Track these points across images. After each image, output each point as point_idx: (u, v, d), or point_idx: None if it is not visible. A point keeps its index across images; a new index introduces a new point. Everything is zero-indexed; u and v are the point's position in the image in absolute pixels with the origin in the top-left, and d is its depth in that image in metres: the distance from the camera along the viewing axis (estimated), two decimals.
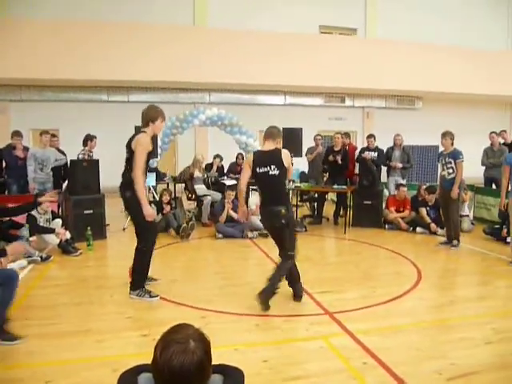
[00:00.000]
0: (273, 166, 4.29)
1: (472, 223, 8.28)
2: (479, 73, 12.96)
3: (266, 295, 4.18)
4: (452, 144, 6.74)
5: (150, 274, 4.76)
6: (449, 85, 12.93)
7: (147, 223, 4.36)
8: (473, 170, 8.82)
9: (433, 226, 7.73)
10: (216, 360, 1.54)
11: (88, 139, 8.14)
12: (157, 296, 4.48)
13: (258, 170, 4.32)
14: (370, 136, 8.84)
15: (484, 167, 9.30)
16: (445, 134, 6.78)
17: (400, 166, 8.86)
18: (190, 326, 1.54)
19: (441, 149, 7.05)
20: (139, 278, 4.52)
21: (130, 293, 4.49)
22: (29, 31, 10.27)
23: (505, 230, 7.05)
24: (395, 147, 9.02)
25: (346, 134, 9.20)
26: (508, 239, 6.79)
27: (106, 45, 10.64)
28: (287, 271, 4.43)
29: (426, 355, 3.32)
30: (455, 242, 6.80)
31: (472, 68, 12.90)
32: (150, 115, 4.36)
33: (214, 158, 9.91)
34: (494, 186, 9.10)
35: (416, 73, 12.54)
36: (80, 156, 7.89)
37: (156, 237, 4.68)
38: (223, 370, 1.70)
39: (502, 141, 9.21)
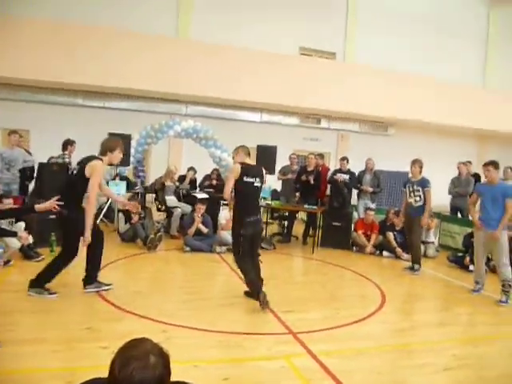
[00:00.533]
0: (257, 179, 4.80)
1: (437, 250, 8.46)
2: (452, 105, 13.35)
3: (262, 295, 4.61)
4: (420, 172, 6.89)
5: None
6: (422, 114, 13.27)
7: (74, 240, 4.52)
8: (439, 198, 9.03)
9: (398, 250, 7.87)
10: (175, 376, 1.51)
11: (68, 144, 8.10)
12: (55, 293, 4.58)
13: (245, 178, 4.70)
14: (343, 158, 8.97)
15: (450, 196, 9.54)
16: (414, 162, 6.91)
17: (370, 190, 9.01)
18: (148, 340, 1.50)
19: (409, 175, 7.19)
20: (47, 277, 4.61)
21: (28, 290, 4.56)
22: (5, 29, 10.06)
23: (467, 258, 7.22)
24: (366, 171, 9.18)
25: (320, 155, 9.33)
26: (471, 267, 6.96)
27: (84, 49, 10.50)
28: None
29: (386, 379, 3.34)
30: (416, 266, 6.91)
31: (445, 99, 13.29)
32: (109, 145, 4.63)
33: (188, 170, 9.86)
34: (459, 215, 9.34)
35: (390, 100, 12.83)
36: (60, 160, 7.77)
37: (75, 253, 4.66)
38: None
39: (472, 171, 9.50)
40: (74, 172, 4.56)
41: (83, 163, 4.47)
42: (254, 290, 4.78)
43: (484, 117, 13.64)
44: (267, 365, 3.44)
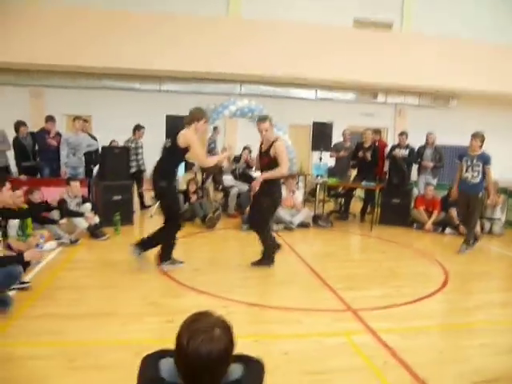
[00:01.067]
0: None
1: (504, 227, 8.07)
2: None
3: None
4: (481, 147, 6.41)
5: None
6: (487, 83, 12.52)
7: (175, 209, 4.88)
8: (507, 173, 8.57)
9: (462, 227, 7.56)
10: (237, 350, 1.55)
11: (136, 129, 8.64)
12: (183, 262, 5.09)
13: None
14: (402, 134, 8.67)
15: None
16: (475, 135, 6.44)
17: (431, 165, 8.66)
18: (212, 313, 1.55)
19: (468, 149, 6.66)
20: (168, 250, 4.98)
21: (160, 265, 4.93)
22: (57, 18, 10.42)
23: None
24: (427, 146, 8.82)
25: (377, 131, 9.06)
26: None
27: (139, 34, 10.70)
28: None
29: (448, 358, 3.26)
30: (471, 241, 6.55)
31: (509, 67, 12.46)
32: (196, 115, 4.74)
33: (243, 149, 9.92)
34: None
35: (452, 70, 12.19)
36: (130, 144, 8.37)
37: (181, 223, 5.09)
38: (244, 359, 1.70)
39: None
40: (167, 145, 4.81)
41: (173, 135, 4.69)
42: (274, 252, 5.29)
43: None
44: (326, 341, 3.46)
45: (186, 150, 4.68)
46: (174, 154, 4.76)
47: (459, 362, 3.21)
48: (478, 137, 6.40)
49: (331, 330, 3.65)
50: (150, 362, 1.74)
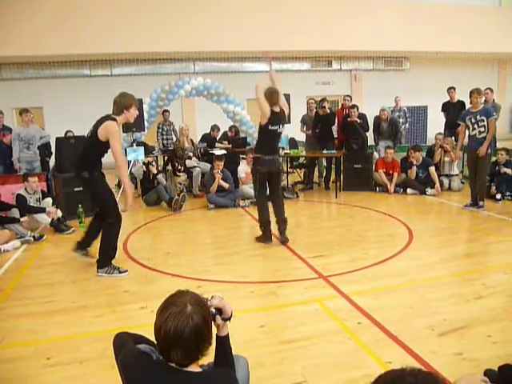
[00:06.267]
0: (281, 125, 5.29)
1: (462, 182, 8.35)
2: (467, 31, 12.78)
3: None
4: (481, 102, 6.38)
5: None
6: (436, 44, 12.76)
7: (107, 199, 4.45)
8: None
9: (433, 189, 7.81)
10: (214, 329, 1.58)
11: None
12: (126, 271, 4.46)
13: (270, 127, 5.17)
14: (353, 106, 8.65)
15: None
16: (474, 92, 6.36)
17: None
18: (191, 292, 1.59)
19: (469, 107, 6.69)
20: (106, 255, 4.48)
21: (97, 271, 4.44)
22: (8, 8, 9.92)
23: (493, 188, 7.12)
24: (382, 121, 8.99)
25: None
26: (497, 196, 6.88)
27: (86, 19, 10.33)
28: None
29: (418, 313, 3.40)
30: (481, 203, 6.56)
31: (459, 26, 12.71)
32: (125, 103, 4.27)
33: (212, 129, 9.85)
34: None
35: (403, 33, 12.35)
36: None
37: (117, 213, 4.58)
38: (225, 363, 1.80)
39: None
40: (88, 135, 4.36)
41: (96, 125, 4.26)
42: (264, 228, 5.32)
43: (502, 39, 13.01)
44: (301, 309, 3.54)
45: (107, 143, 4.22)
46: (93, 146, 4.30)
47: (428, 315, 3.35)
48: (477, 92, 6.34)
49: (305, 299, 3.74)
50: (126, 338, 1.78)
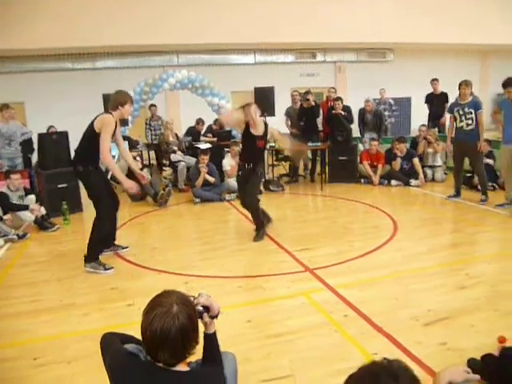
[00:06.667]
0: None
1: (445, 173, 8.46)
2: (449, 22, 12.84)
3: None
4: (470, 94, 6.37)
5: (118, 242, 5.02)
6: (419, 35, 12.81)
7: (98, 195, 4.49)
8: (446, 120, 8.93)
9: (415, 181, 7.90)
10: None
11: None
12: (111, 268, 4.45)
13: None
14: (338, 99, 8.69)
15: None
16: (463, 83, 6.35)
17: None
18: (178, 292, 1.58)
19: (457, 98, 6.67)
20: (94, 248, 4.51)
21: (85, 266, 4.46)
22: None
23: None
24: (366, 113, 9.04)
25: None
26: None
27: (68, 11, 10.14)
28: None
29: (403, 304, 3.45)
30: (483, 197, 6.51)
31: (442, 17, 12.77)
32: (120, 99, 4.44)
33: (197, 122, 9.81)
34: None
35: (386, 24, 12.37)
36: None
37: (114, 203, 4.75)
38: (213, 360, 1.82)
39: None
40: (87, 129, 4.45)
41: (94, 119, 4.38)
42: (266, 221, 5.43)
43: (484, 31, 13.12)
44: (288, 303, 3.57)
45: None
46: (90, 138, 4.35)
47: (413, 306, 3.41)
48: (466, 84, 6.34)
49: (291, 292, 3.76)
50: (113, 338, 1.79)
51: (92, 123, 4.35)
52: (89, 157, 4.43)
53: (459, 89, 6.44)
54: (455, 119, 6.53)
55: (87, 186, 4.53)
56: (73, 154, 4.67)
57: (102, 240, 4.62)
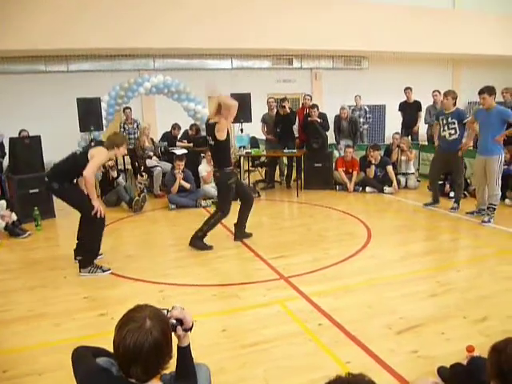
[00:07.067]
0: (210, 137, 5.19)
1: (418, 180, 8.62)
2: (423, 32, 13.13)
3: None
4: (454, 104, 6.37)
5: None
6: (393, 44, 13.06)
7: (81, 203, 4.59)
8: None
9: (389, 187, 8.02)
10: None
11: None
12: (109, 269, 4.56)
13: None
14: (314, 106, 8.77)
15: (427, 125, 9.59)
16: (447, 94, 6.38)
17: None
18: (151, 306, 1.58)
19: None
20: (90, 254, 4.61)
21: (80, 271, 4.50)
22: None
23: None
24: (342, 120, 9.17)
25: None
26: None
27: (42, 12, 9.96)
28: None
29: (376, 312, 3.51)
30: (455, 205, 6.62)
31: (415, 27, 13.05)
32: (117, 141, 4.68)
33: (173, 128, 9.75)
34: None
35: (361, 32, 12.57)
36: None
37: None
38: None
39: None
40: (77, 152, 4.68)
41: (88, 147, 4.72)
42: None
43: (456, 40, 13.47)
44: (263, 311, 3.58)
45: None
46: (77, 165, 4.47)
47: (386, 313, 3.46)
48: (450, 94, 6.35)
49: (266, 301, 3.78)
50: (85, 353, 1.76)
51: (85, 152, 4.49)
52: (68, 178, 4.60)
53: (442, 99, 6.53)
54: (440, 127, 6.58)
55: (65, 199, 4.67)
56: (45, 159, 4.66)
57: (97, 242, 4.73)
